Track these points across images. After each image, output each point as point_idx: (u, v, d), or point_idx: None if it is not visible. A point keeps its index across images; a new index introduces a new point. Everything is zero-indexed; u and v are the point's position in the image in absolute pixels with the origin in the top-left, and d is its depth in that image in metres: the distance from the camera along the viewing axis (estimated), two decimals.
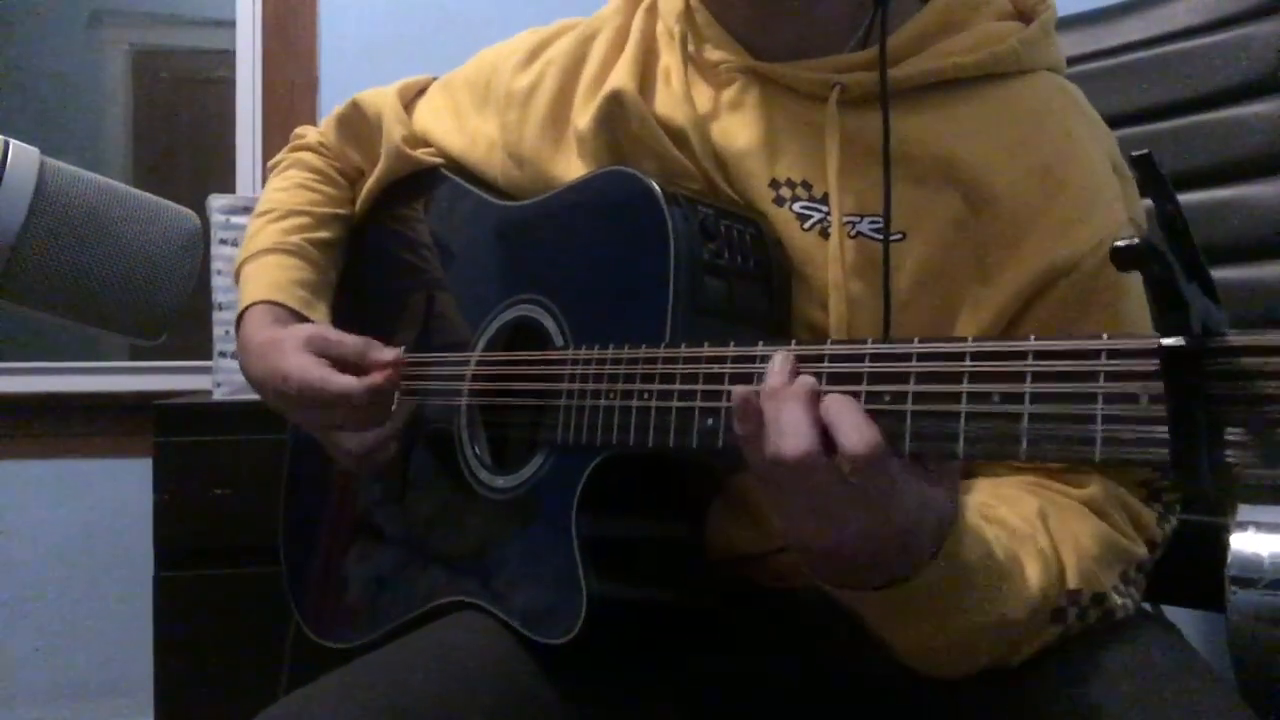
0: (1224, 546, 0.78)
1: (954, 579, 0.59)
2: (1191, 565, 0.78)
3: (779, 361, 0.56)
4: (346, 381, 0.85)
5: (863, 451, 0.51)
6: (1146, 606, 0.75)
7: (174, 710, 1.46)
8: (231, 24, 2.00)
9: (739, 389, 0.56)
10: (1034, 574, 0.64)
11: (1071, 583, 0.66)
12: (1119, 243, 0.43)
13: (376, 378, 0.85)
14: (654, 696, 0.78)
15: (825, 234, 0.75)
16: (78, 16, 2.25)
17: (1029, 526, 0.67)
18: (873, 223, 0.74)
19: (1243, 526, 0.76)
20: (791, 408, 0.54)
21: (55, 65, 2.24)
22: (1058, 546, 0.67)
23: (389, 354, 0.87)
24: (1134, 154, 0.44)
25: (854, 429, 0.52)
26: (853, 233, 0.74)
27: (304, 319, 0.96)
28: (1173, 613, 0.95)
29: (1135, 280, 0.70)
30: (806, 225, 0.76)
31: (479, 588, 0.80)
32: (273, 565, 1.08)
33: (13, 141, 0.62)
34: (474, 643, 0.75)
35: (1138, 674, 0.64)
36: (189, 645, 1.46)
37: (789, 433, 0.53)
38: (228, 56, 2.01)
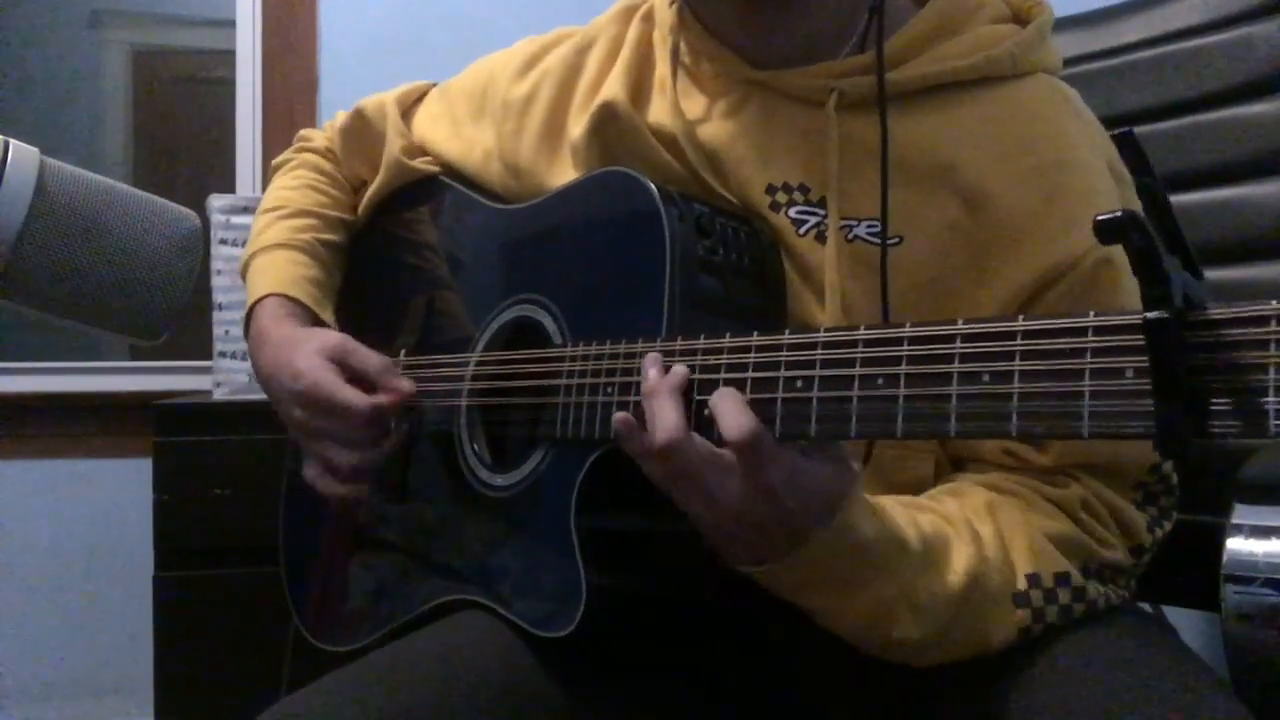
0: (1221, 547, 0.78)
1: (849, 551, 0.61)
2: (1190, 566, 0.78)
3: (649, 361, 0.64)
4: (354, 393, 0.85)
5: (737, 437, 0.58)
6: (1146, 607, 0.76)
7: (174, 710, 1.46)
8: (231, 24, 2.00)
9: (618, 415, 0.64)
10: (961, 554, 0.65)
11: (1027, 567, 0.67)
12: (1101, 216, 0.44)
13: (383, 398, 0.85)
14: (655, 692, 0.78)
15: (821, 238, 0.75)
16: (78, 16, 2.26)
17: (967, 514, 0.68)
18: (870, 226, 0.74)
19: (1239, 527, 0.76)
20: (660, 401, 0.61)
21: (55, 65, 2.24)
22: (1004, 533, 0.68)
23: (405, 384, 0.87)
24: (1115, 132, 0.45)
25: (732, 418, 0.58)
26: (850, 236, 0.74)
27: (316, 316, 0.96)
28: (1173, 613, 0.95)
29: (1130, 281, 0.70)
30: (802, 230, 0.76)
31: (479, 586, 0.80)
32: (273, 565, 1.08)
33: (13, 141, 0.62)
34: (475, 642, 0.75)
35: (1134, 670, 0.64)
36: (189, 645, 1.46)
37: (659, 423, 0.60)
38: (228, 56, 2.01)
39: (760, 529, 0.61)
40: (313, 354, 0.87)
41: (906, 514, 0.66)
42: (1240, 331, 0.42)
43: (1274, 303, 0.42)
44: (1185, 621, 0.90)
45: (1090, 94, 0.80)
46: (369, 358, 0.88)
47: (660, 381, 0.62)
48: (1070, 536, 0.69)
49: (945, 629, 0.64)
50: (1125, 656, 0.65)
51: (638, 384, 0.67)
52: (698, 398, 0.62)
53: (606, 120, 0.82)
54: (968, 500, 0.70)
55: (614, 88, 0.83)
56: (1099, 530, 0.71)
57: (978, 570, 0.65)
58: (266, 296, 0.95)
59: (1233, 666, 0.73)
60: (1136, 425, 0.45)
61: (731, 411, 0.59)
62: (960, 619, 0.65)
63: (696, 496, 0.61)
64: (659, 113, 0.82)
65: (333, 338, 0.90)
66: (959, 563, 0.65)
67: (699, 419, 0.62)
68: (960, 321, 0.52)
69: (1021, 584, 0.66)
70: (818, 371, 0.57)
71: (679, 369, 0.63)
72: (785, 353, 0.59)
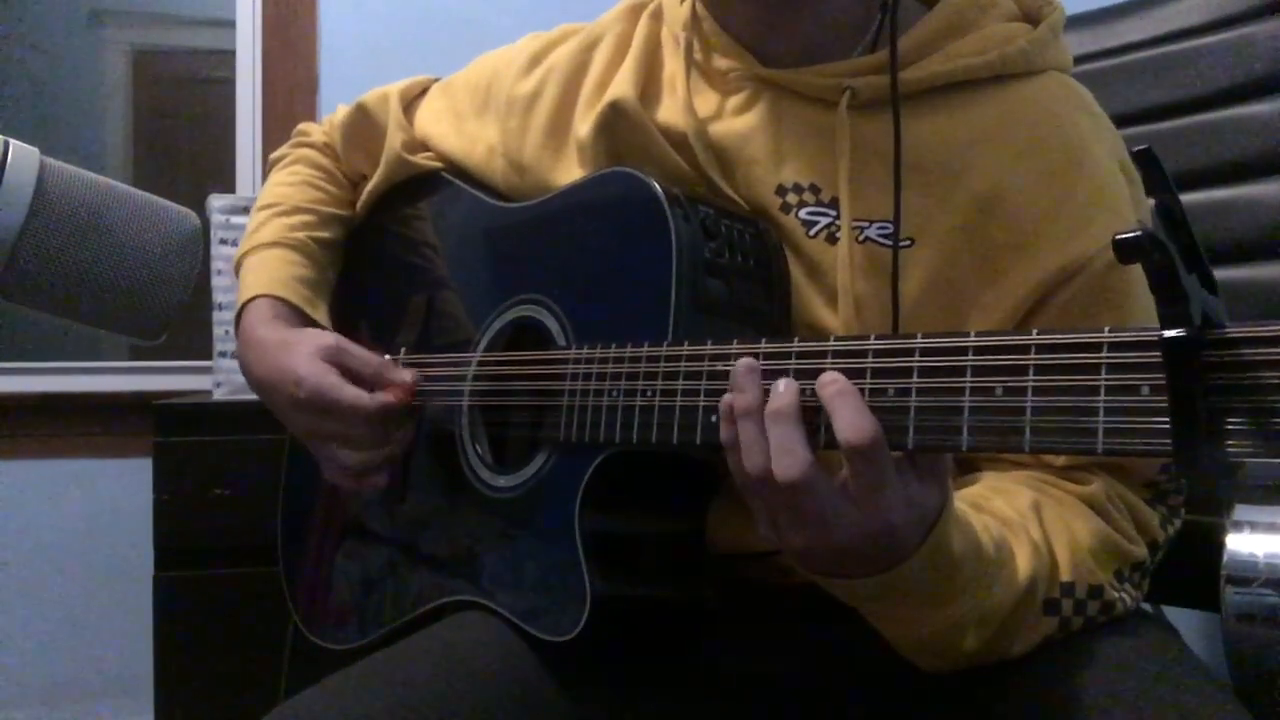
0: (1221, 547, 0.78)
1: (939, 569, 0.59)
2: (1191, 565, 0.78)
3: (747, 375, 0.57)
4: (359, 394, 0.84)
5: (858, 442, 0.52)
6: (1147, 607, 0.76)
7: (174, 710, 1.46)
8: (231, 24, 2.00)
9: (726, 397, 0.57)
10: (1023, 563, 0.64)
11: (1064, 575, 0.66)
12: (1121, 235, 0.43)
13: (389, 396, 0.85)
14: (658, 693, 0.78)
15: (832, 239, 0.75)
16: (78, 16, 2.25)
17: (1021, 517, 0.67)
18: (881, 228, 0.74)
19: (1239, 526, 0.76)
20: (785, 430, 0.55)
21: (55, 65, 2.23)
22: (1050, 538, 0.67)
23: (406, 375, 0.86)
24: (1134, 149, 0.45)
25: (851, 421, 0.53)
26: (861, 238, 0.74)
27: (306, 316, 0.96)
28: (1173, 613, 0.95)
29: (1142, 282, 0.70)
30: (813, 231, 0.76)
31: (480, 587, 0.80)
32: (272, 565, 1.07)
33: (13, 141, 0.62)
34: (478, 642, 0.75)
35: (1134, 671, 0.64)
36: (189, 645, 1.46)
37: (787, 455, 0.54)
38: (228, 56, 2.01)
39: (860, 555, 0.57)
40: (309, 357, 0.86)
41: (979, 520, 0.63)
42: (1258, 351, 0.42)
43: None
44: (1185, 621, 0.90)
45: (1092, 94, 0.80)
46: (365, 356, 0.87)
47: (778, 401, 0.55)
48: (1106, 538, 0.69)
49: (994, 636, 0.63)
50: (1125, 659, 0.65)
51: (643, 388, 0.66)
52: (706, 403, 0.61)
53: (614, 119, 0.81)
54: (1014, 500, 0.69)
55: (623, 86, 0.83)
56: (1126, 526, 0.71)
57: (1036, 577, 0.64)
58: (255, 298, 0.95)
59: (1233, 667, 0.73)
60: (1151, 443, 0.45)
61: (850, 412, 0.53)
62: (1006, 625, 0.64)
63: (802, 529, 0.57)
64: (669, 112, 0.82)
65: (326, 338, 0.89)
66: (1023, 571, 0.64)
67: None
68: (973, 333, 0.52)
69: (1055, 591, 0.66)
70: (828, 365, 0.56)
71: (791, 386, 0.55)
72: (794, 360, 0.58)
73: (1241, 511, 0.77)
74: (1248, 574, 0.74)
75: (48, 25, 2.23)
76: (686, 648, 0.80)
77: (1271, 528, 0.76)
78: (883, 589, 0.59)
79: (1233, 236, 1.09)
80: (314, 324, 0.96)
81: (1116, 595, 0.68)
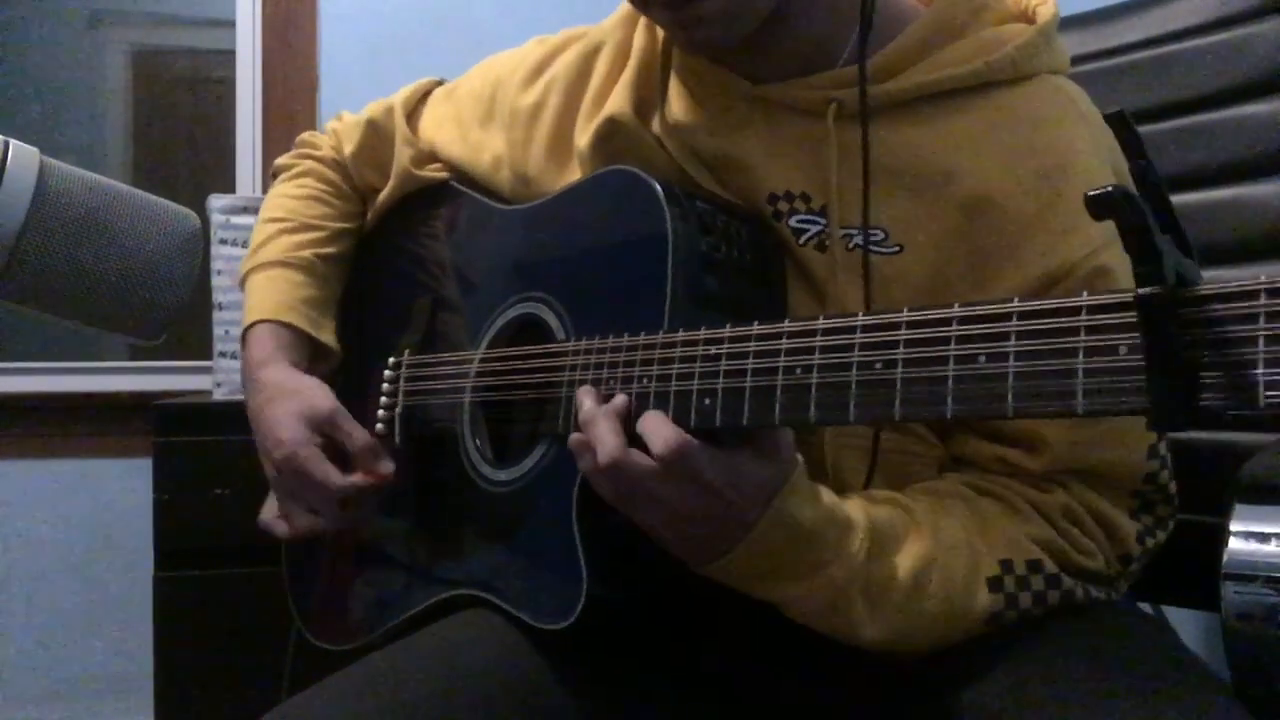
0: (1222, 547, 0.78)
1: (791, 534, 0.63)
2: (1191, 565, 0.78)
3: (582, 392, 0.68)
4: (329, 472, 0.85)
5: (664, 451, 0.61)
6: (1146, 607, 0.76)
7: (174, 710, 1.46)
8: (231, 24, 2.00)
9: (574, 436, 0.67)
10: (916, 542, 0.67)
11: (999, 554, 0.68)
12: (1093, 191, 0.44)
13: (359, 479, 0.86)
14: (657, 689, 0.78)
15: (823, 247, 0.76)
16: (78, 17, 2.25)
17: (935, 506, 0.69)
18: (870, 235, 0.74)
19: (1239, 526, 0.76)
20: (599, 425, 0.65)
21: (55, 65, 2.23)
22: (974, 524, 0.69)
23: (384, 467, 0.87)
24: (1107, 113, 0.46)
25: (658, 436, 0.62)
26: (850, 245, 0.74)
27: (310, 337, 0.96)
28: (1173, 613, 0.95)
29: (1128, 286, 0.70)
30: (803, 239, 0.77)
31: (480, 580, 0.81)
32: (272, 565, 1.08)
33: (13, 141, 0.62)
34: (477, 640, 0.75)
35: (1133, 671, 0.64)
36: (189, 645, 1.46)
37: (600, 446, 0.64)
38: (228, 56, 2.01)
39: (708, 522, 0.64)
40: (295, 420, 0.87)
41: (859, 504, 0.67)
42: (1230, 306, 0.43)
43: (1262, 277, 0.42)
44: (1185, 621, 0.90)
45: (1090, 94, 0.80)
46: (354, 435, 0.88)
47: (597, 409, 0.66)
48: (1046, 540, 0.70)
49: (907, 615, 0.66)
50: (1123, 657, 0.65)
51: (639, 375, 0.67)
52: (699, 387, 0.64)
53: (611, 134, 0.83)
54: (941, 497, 0.71)
55: (620, 100, 0.84)
56: (1079, 538, 0.71)
57: (932, 556, 0.66)
58: (259, 322, 0.95)
59: (1233, 666, 0.73)
60: (1130, 401, 0.46)
61: (658, 429, 0.62)
62: (922, 605, 0.66)
63: (644, 506, 0.65)
64: (664, 124, 0.82)
65: (321, 403, 0.89)
66: (912, 549, 0.66)
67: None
68: (956, 305, 0.53)
69: (994, 569, 0.68)
70: (816, 358, 0.58)
71: (619, 398, 0.67)
72: (785, 340, 0.60)
73: (1241, 512, 0.77)
74: (1248, 573, 0.74)
75: (48, 25, 2.23)
76: (684, 640, 0.80)
77: (1271, 530, 0.76)
78: (749, 563, 0.64)
79: (1233, 236, 1.09)
80: (320, 344, 0.97)
81: (1059, 572, 0.69)
